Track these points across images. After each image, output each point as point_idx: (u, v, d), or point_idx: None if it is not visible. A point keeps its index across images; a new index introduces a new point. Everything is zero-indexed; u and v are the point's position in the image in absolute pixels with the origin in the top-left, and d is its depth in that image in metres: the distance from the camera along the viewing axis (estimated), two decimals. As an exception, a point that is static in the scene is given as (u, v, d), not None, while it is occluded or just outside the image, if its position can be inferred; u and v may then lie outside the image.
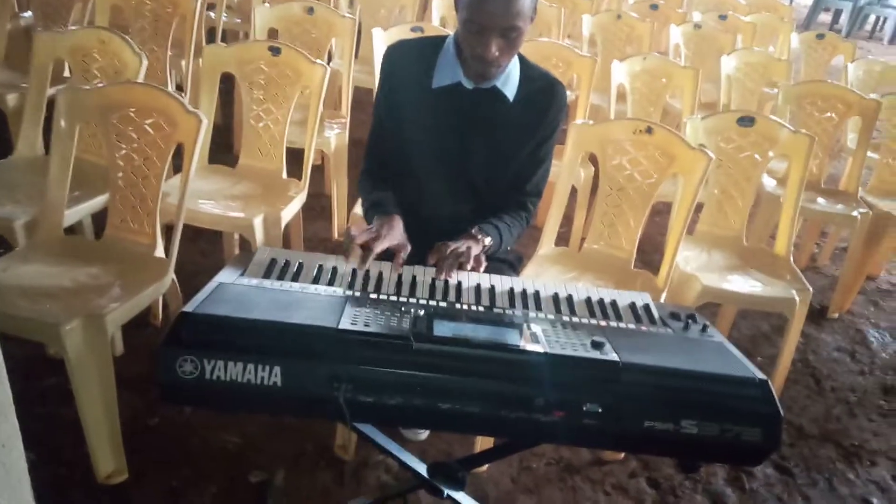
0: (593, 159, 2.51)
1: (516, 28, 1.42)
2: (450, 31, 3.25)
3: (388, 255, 1.46)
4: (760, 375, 1.19)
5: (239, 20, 4.38)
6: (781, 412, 1.16)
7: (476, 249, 1.50)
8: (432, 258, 1.45)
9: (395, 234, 1.48)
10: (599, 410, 1.13)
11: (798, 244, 3.40)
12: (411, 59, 1.62)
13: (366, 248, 1.42)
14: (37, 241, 1.94)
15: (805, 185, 2.42)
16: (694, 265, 2.33)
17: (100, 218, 2.13)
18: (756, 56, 3.68)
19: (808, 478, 2.17)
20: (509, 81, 1.59)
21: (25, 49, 2.61)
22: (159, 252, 1.99)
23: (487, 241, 1.55)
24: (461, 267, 1.43)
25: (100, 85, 2.01)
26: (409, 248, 1.47)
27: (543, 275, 2.13)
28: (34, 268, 1.82)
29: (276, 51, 2.47)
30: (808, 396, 2.54)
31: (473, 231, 1.56)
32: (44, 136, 2.42)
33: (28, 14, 3.49)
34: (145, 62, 2.27)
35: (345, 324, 1.16)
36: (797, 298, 2.22)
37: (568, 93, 3.33)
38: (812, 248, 3.63)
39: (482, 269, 1.47)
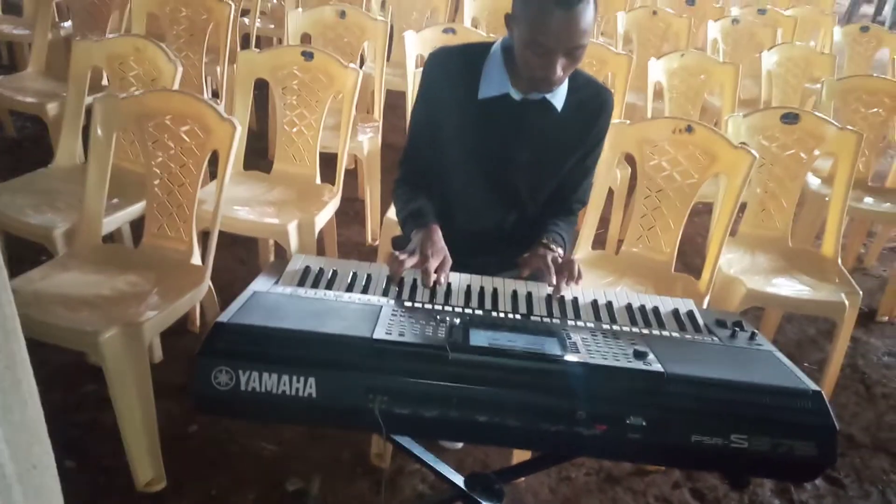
0: (630, 160, 2.46)
1: (582, 46, 1.36)
2: (482, 33, 3.21)
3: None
4: (814, 386, 1.14)
5: (272, 26, 4.41)
6: (837, 425, 1.11)
7: (561, 260, 1.47)
8: (526, 271, 1.42)
9: (438, 250, 1.43)
10: (644, 424, 1.09)
11: (844, 244, 3.28)
12: (455, 67, 1.56)
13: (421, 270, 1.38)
14: (76, 250, 1.97)
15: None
16: (737, 268, 2.26)
17: (138, 225, 2.15)
18: (798, 50, 3.57)
19: (861, 489, 2.08)
20: (559, 91, 1.53)
21: (65, 58, 2.66)
22: (196, 259, 2.00)
23: (560, 251, 1.51)
24: (567, 282, 1.40)
25: (136, 93, 2.02)
26: (450, 262, 1.43)
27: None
28: (73, 276, 1.84)
29: (308, 56, 2.47)
30: (857, 404, 2.44)
31: (547, 242, 1.51)
32: (83, 145, 2.45)
33: (68, 24, 3.57)
34: (180, 69, 2.29)
35: (379, 333, 1.14)
36: (846, 302, 2.13)
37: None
38: (859, 249, 3.50)
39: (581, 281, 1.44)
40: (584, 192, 1.71)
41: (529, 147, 1.57)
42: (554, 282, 1.38)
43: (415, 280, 1.41)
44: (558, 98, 1.54)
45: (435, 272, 1.37)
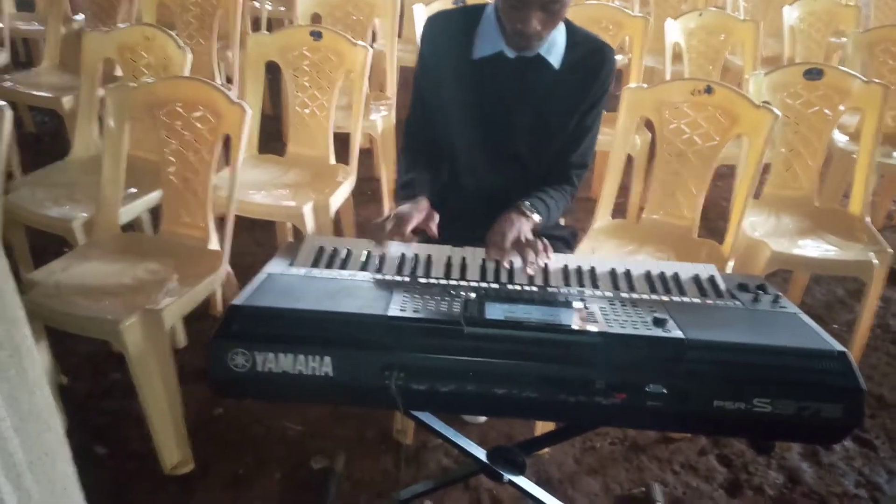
0: (649, 125, 2.41)
1: (558, 0, 1.35)
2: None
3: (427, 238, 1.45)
4: (839, 347, 1.11)
5: (283, 8, 4.38)
6: (864, 386, 1.08)
7: (527, 227, 1.45)
8: (491, 253, 1.41)
9: (420, 210, 1.45)
10: (664, 391, 1.07)
11: (873, 202, 3.19)
12: (451, 29, 1.57)
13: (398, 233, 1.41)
14: (95, 240, 1.99)
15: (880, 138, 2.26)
16: (762, 230, 2.21)
17: (158, 213, 2.17)
18: (821, 4, 3.45)
19: (892, 450, 2.04)
20: (554, 48, 1.52)
21: (79, 51, 2.66)
22: (213, 245, 2.00)
23: (536, 217, 1.50)
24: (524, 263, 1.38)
25: (146, 81, 2.02)
26: (436, 215, 1.45)
27: (600, 249, 2.05)
28: (93, 266, 1.86)
29: (317, 35, 2.44)
30: (888, 364, 2.39)
31: (523, 208, 1.50)
32: (99, 136, 2.47)
33: (80, 17, 3.58)
34: (190, 56, 2.28)
35: (394, 310, 1.14)
36: (875, 261, 2.08)
37: (620, 56, 3.20)
38: (889, 206, 3.41)
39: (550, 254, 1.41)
40: (583, 155, 1.67)
41: (528, 105, 1.56)
42: (504, 261, 1.37)
43: (429, 256, 1.40)
44: (554, 55, 1.52)
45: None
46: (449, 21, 1.59)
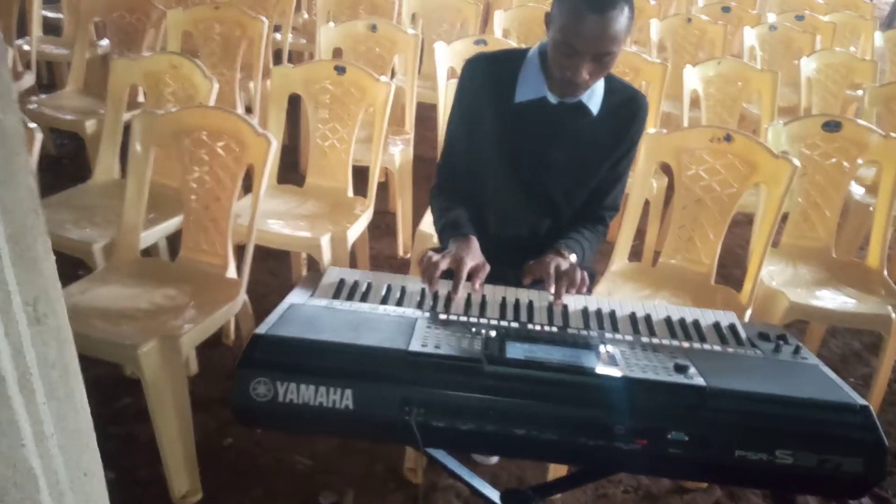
0: (666, 169, 2.42)
1: (611, 53, 1.37)
2: (513, 43, 3.21)
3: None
4: (861, 401, 1.11)
5: (304, 41, 4.47)
6: (886, 441, 1.07)
7: (565, 265, 1.46)
8: (531, 276, 1.41)
9: (475, 257, 1.43)
10: (686, 439, 1.07)
11: (890, 255, 3.18)
12: (492, 72, 1.58)
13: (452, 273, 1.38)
14: (114, 264, 2.00)
15: (897, 192, 2.27)
16: (779, 280, 2.20)
17: (174, 240, 2.18)
18: (838, 57, 3.49)
19: (910, 508, 2.01)
20: (594, 95, 1.54)
21: (103, 76, 2.71)
22: (231, 273, 2.01)
23: (573, 258, 1.51)
24: (568, 290, 1.39)
25: (173, 109, 2.06)
26: (487, 268, 1.42)
27: (617, 292, 2.05)
28: (112, 290, 1.87)
29: (341, 70, 2.48)
30: (906, 420, 2.36)
31: (559, 247, 1.51)
32: (120, 161, 2.50)
33: (105, 42, 3.66)
34: (216, 86, 2.32)
35: (415, 346, 1.14)
36: (893, 315, 2.06)
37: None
38: (905, 259, 3.40)
39: (585, 289, 1.42)
40: (615, 199, 1.69)
41: (565, 150, 1.57)
42: (552, 289, 1.37)
43: (449, 292, 1.40)
44: (594, 102, 1.54)
45: (469, 279, 1.37)
46: (490, 64, 1.59)
